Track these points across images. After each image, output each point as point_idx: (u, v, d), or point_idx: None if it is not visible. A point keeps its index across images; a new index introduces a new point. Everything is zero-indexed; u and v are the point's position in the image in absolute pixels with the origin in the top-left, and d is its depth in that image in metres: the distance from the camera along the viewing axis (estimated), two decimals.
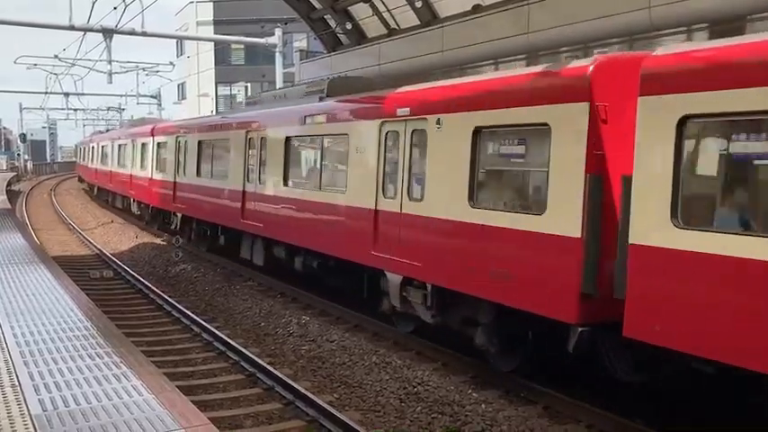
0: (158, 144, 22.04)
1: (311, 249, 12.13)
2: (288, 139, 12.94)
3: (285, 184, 12.91)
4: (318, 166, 12.11)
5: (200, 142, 17.82)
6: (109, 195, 32.95)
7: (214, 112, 41.91)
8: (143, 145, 24.04)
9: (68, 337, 6.72)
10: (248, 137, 14.60)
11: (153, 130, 23.03)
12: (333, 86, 12.55)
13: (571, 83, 7.04)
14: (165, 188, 20.56)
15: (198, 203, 17.71)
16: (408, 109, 9.39)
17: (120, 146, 28.90)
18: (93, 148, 38.04)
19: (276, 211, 13.17)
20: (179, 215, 19.68)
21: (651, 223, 6.06)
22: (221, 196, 15.87)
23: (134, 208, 26.06)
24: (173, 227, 20.43)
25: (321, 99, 12.43)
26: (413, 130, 9.33)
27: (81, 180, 49.28)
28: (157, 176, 21.79)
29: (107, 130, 45.07)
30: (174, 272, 16.53)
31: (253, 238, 14.68)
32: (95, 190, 38.07)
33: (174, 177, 19.57)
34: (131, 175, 25.69)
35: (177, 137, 19.64)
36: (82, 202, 36.70)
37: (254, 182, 14.20)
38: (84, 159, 44.67)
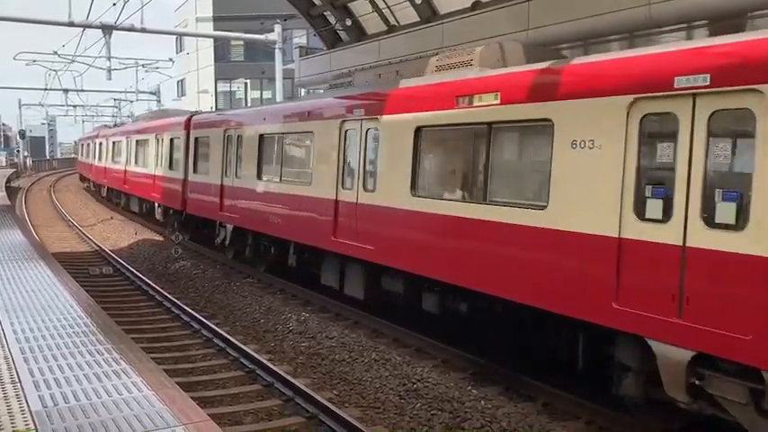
0: (196, 139, 18.35)
1: (462, 287, 8.53)
2: (419, 130, 9.34)
3: (414, 193, 9.35)
4: (482, 168, 8.38)
5: (262, 137, 14.16)
6: (122, 197, 29.15)
7: (214, 109, 41.17)
8: (172, 141, 20.42)
9: (68, 333, 6.72)
10: (344, 129, 11.07)
11: (188, 122, 19.15)
12: (487, 55, 9.02)
13: None
14: (208, 193, 16.83)
15: (258, 214, 14.02)
16: (707, 76, 5.87)
17: (137, 142, 25.30)
18: (100, 144, 34.12)
19: (396, 229, 9.71)
20: (228, 226, 15.91)
21: None
22: (298, 206, 12.40)
23: (158, 214, 22.39)
24: (218, 241, 16.65)
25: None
26: (713, 113, 5.86)
27: (83, 179, 45.83)
28: (195, 178, 18.15)
29: (114, 125, 41.21)
30: (174, 268, 16.53)
31: (344, 262, 11.27)
32: (103, 191, 34.06)
33: (222, 180, 15.97)
34: (155, 176, 22.13)
35: (226, 130, 16.03)
36: (81, 199, 36.68)
37: (354, 188, 10.71)
38: (87, 156, 40.32)
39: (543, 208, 7.30)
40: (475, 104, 8.36)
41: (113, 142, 30.41)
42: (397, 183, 9.66)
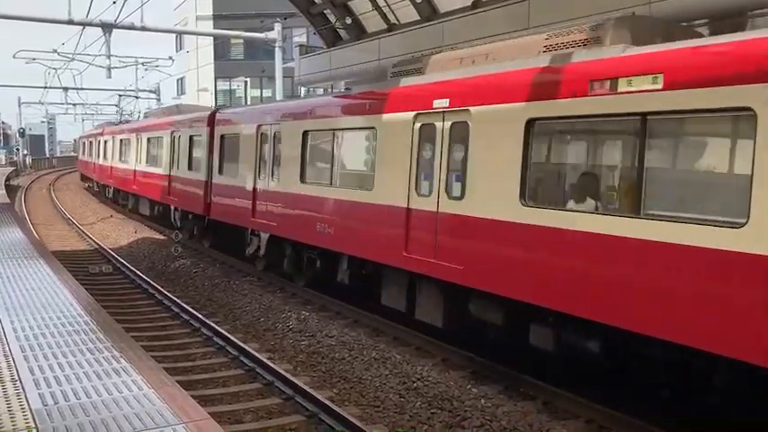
0: (222, 137, 16.45)
1: (592, 321, 6.80)
2: (531, 123, 7.48)
3: (525, 202, 7.49)
4: (632, 171, 6.66)
5: (306, 134, 12.34)
6: (129, 199, 27.42)
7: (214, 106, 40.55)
8: (192, 138, 18.59)
9: (68, 331, 6.72)
10: (419, 124, 9.26)
11: (213, 118, 17.17)
12: (620, 32, 7.29)
13: None
14: (237, 197, 15.08)
15: (302, 222, 12.19)
16: None
17: (149, 139, 23.51)
18: (105, 142, 32.13)
19: (498, 246, 7.89)
20: (263, 235, 14.11)
21: None
22: (356, 215, 10.65)
23: (174, 218, 20.49)
24: (250, 252, 14.91)
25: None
26: None
27: (84, 179, 43.84)
28: (221, 180, 16.32)
29: (120, 121, 39.18)
30: (174, 267, 16.53)
31: (415, 282, 9.63)
32: (109, 192, 32.27)
33: (255, 182, 14.19)
34: (170, 177, 20.25)
35: (260, 126, 14.18)
36: (81, 198, 36.66)
37: (432, 195, 8.91)
38: (90, 155, 38.04)
39: (739, 226, 5.56)
40: (621, 90, 6.55)
41: (121, 140, 28.54)
42: (498, 189, 7.83)
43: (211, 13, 53.25)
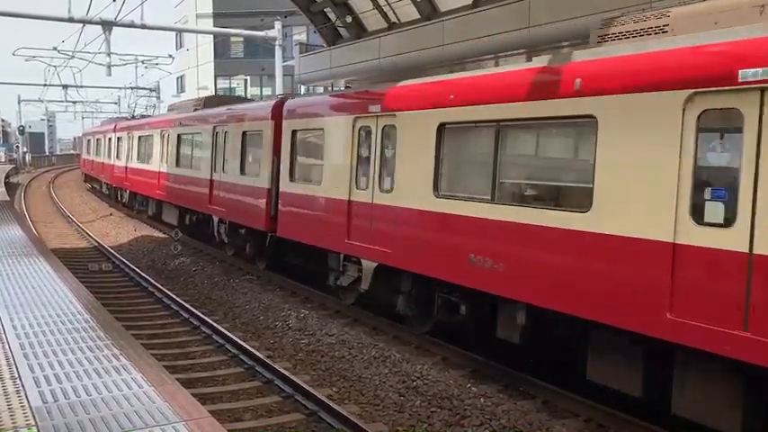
0: (295, 133, 13.09)
1: None
2: None
3: None
4: None
5: (443, 128, 9.05)
6: (149, 205, 24.07)
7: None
8: (245, 135, 15.23)
9: (68, 329, 6.72)
10: (698, 111, 5.95)
11: (279, 109, 13.72)
12: None
13: None
14: (321, 211, 11.82)
15: (442, 251, 8.92)
16: None
17: (180, 136, 20.07)
18: (119, 139, 28.67)
19: None
20: (367, 264, 10.59)
21: None
22: (550, 248, 7.28)
23: (218, 231, 16.99)
24: (344, 283, 11.45)
25: None
26: None
27: (88, 179, 40.46)
28: (293, 189, 12.97)
29: (132, 116, 35.14)
30: (174, 265, 16.53)
31: (673, 357, 6.35)
32: (123, 196, 28.53)
33: (349, 193, 10.90)
34: (212, 182, 16.89)
35: (358, 118, 10.90)
36: (81, 196, 36.65)
37: (732, 226, 5.65)
38: (98, 154, 34.41)
39: None
40: None
41: (140, 137, 25.08)
42: None
43: (211, 11, 53.28)
